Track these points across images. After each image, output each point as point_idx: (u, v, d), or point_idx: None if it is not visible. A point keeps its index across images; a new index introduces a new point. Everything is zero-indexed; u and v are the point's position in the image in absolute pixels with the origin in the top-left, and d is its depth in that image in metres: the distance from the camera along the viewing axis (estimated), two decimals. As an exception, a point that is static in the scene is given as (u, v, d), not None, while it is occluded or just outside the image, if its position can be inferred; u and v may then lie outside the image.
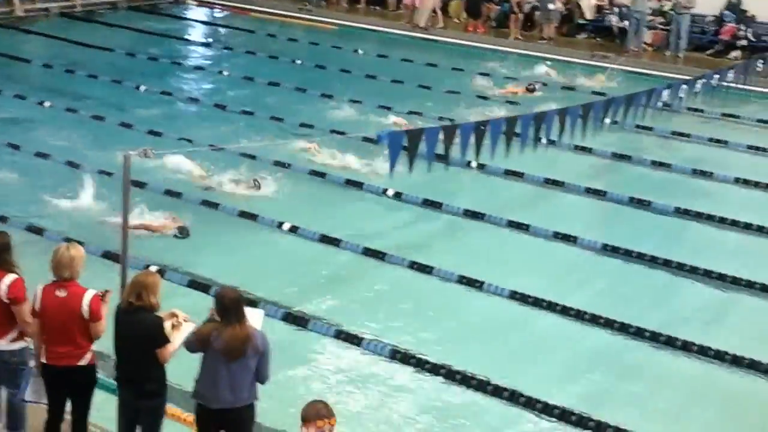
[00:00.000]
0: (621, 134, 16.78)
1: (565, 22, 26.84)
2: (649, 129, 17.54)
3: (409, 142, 9.56)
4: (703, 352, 10.26)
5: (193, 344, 6.93)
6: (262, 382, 6.97)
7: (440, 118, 17.45)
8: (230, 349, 6.73)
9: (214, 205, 13.70)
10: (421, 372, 9.77)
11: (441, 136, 9.80)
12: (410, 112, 18.57)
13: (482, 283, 11.62)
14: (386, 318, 10.92)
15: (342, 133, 15.57)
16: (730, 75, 15.18)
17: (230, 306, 6.82)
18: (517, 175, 15.45)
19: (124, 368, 7.07)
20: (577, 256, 12.82)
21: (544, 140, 11.44)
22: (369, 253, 12.35)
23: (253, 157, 15.27)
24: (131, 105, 18.77)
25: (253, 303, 9.96)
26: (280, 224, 13.09)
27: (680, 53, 24.52)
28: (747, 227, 13.78)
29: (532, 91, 20.76)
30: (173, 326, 7.07)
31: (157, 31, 26.02)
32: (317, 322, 10.54)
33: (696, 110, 18.57)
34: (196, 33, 27.02)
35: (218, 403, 6.86)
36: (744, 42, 24.31)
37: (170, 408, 7.71)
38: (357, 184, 14.81)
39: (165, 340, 6.94)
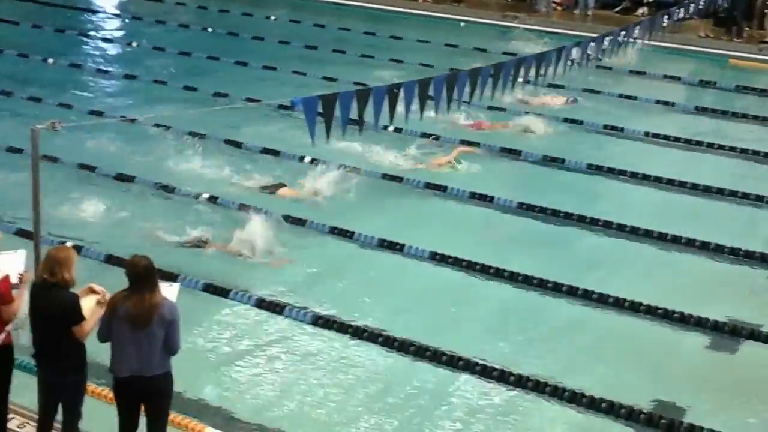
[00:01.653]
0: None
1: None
2: (561, 87, 17.80)
3: (324, 107, 9.58)
4: (603, 299, 10.57)
5: (103, 317, 6.84)
6: (172, 353, 6.89)
7: (355, 83, 17.46)
8: (135, 317, 6.67)
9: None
10: (356, 338, 9.78)
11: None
12: (325, 78, 18.53)
13: (403, 245, 11.74)
14: (306, 283, 10.96)
15: (257, 101, 15.48)
16: (637, 31, 15.50)
17: (142, 274, 6.75)
18: (434, 137, 15.59)
19: (41, 345, 6.96)
20: (493, 215, 12.99)
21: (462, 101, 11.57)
22: (289, 219, 12.34)
23: (168, 127, 15.13)
24: (39, 78, 18.35)
25: (171, 277, 9.96)
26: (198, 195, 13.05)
27: (589, 11, 24.88)
28: (657, 180, 14.13)
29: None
30: (98, 303, 6.96)
31: (64, 2, 25.38)
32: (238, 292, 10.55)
33: (606, 67, 18.86)
34: (104, 3, 26.41)
35: (124, 372, 6.79)
36: (650, -2, 24.77)
37: (93, 387, 7.67)
38: (274, 152, 14.81)
39: (80, 317, 6.82)
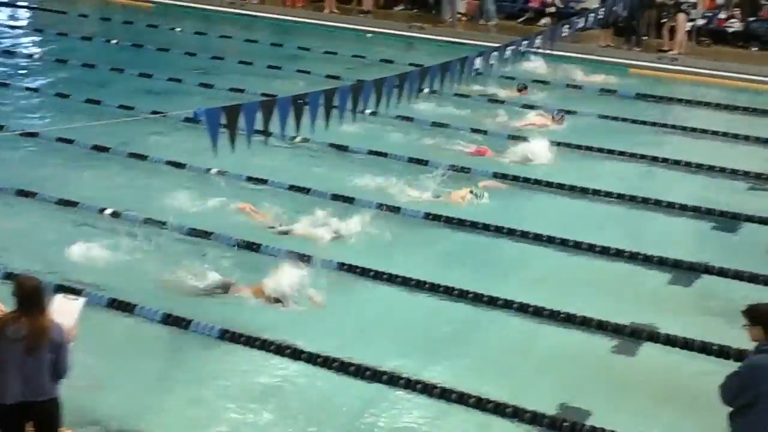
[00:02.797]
0: (439, 102, 17.21)
1: (382, -6, 27.22)
2: (467, 96, 18.02)
3: (228, 119, 9.56)
4: (508, 305, 10.71)
5: None
6: (60, 377, 6.76)
7: (263, 94, 17.42)
8: (25, 339, 6.50)
9: None
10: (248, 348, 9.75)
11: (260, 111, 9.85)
12: (232, 89, 18.45)
13: (310, 257, 11.73)
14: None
15: (161, 113, 15.33)
16: (538, 41, 15.83)
17: (28, 295, 6.59)
18: (340, 148, 15.62)
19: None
20: (403, 223, 13.05)
21: (367, 111, 11.62)
22: (195, 233, 12.23)
23: (70, 141, 14.89)
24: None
25: (76, 291, 9.77)
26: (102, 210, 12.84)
27: (492, 21, 25.26)
28: (560, 187, 14.40)
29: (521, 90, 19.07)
30: None
31: (-40, 14, 24.84)
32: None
33: (509, 77, 19.17)
34: (3, 15, 25.85)
35: (10, 398, 6.59)
36: (552, 9, 25.27)
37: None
38: (179, 165, 14.65)
39: None
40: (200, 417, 8.45)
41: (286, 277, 10.34)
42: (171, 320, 10.03)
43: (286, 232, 12.22)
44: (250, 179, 14.08)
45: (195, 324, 9.92)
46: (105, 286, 10.69)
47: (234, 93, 18.15)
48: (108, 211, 12.78)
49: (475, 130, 16.65)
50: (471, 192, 13.60)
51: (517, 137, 16.27)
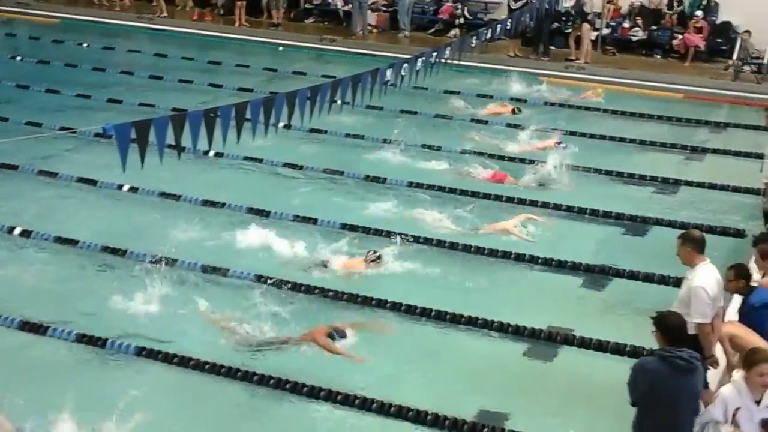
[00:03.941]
0: (354, 115, 17.27)
1: (292, 7, 27.20)
2: (380, 108, 18.11)
3: (138, 134, 9.42)
4: (426, 313, 10.84)
5: None
6: None
7: (174, 109, 17.23)
8: None
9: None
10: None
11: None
12: (141, 104, 18.22)
13: (227, 270, 11.66)
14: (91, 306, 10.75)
15: (70, 129, 15.06)
16: (447, 52, 15.98)
17: None
18: (256, 160, 15.56)
19: None
20: (316, 233, 13.02)
21: (280, 124, 11.58)
22: (108, 250, 12.06)
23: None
24: None
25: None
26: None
27: (403, 33, 25.47)
28: (474, 195, 14.53)
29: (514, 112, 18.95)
30: None
31: None
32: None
33: (421, 88, 19.29)
34: None
35: None
36: (461, 20, 25.58)
37: None
38: (91, 182, 14.42)
39: None
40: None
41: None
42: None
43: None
44: (162, 195, 13.95)
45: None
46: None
47: (144, 108, 17.95)
48: (17, 231, 12.51)
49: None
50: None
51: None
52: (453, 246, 12.63)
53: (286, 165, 15.55)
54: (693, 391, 7.15)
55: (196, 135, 10.03)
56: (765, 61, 21.57)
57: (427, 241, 12.73)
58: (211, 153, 14.33)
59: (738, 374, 7.76)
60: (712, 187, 15.13)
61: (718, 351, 8.71)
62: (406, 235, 12.72)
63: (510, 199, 14.31)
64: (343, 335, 10.09)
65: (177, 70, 21.42)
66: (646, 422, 7.16)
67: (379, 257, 11.93)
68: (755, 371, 7.17)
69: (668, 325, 7.18)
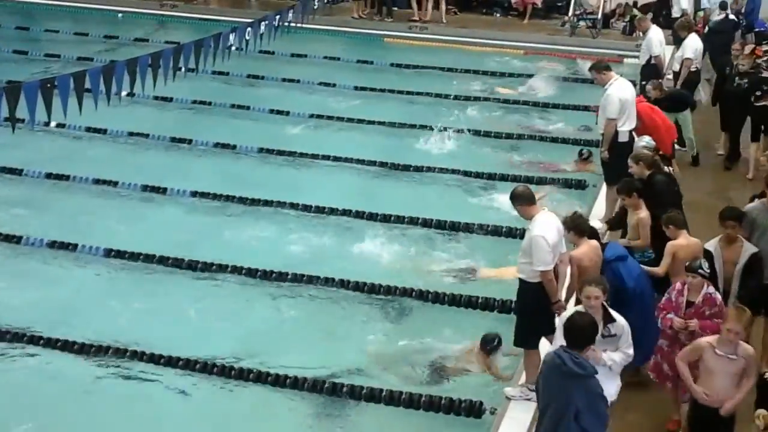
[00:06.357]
0: (200, 81, 17.02)
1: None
2: (226, 74, 17.90)
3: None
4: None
5: None
6: None
7: (8, 82, 16.58)
8: None
9: None
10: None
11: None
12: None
13: (76, 245, 11.41)
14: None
15: None
16: (290, 15, 15.94)
17: None
18: (100, 131, 15.19)
19: None
20: (166, 206, 12.88)
21: (123, 93, 11.35)
22: None
23: None
24: None
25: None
26: None
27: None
28: (325, 158, 14.60)
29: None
30: None
31: None
32: None
33: (268, 52, 19.16)
34: None
35: None
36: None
37: None
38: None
39: None
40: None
41: None
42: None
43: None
44: (3, 170, 13.53)
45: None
46: None
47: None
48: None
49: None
50: None
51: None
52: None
53: (131, 134, 15.25)
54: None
55: (33, 107, 9.73)
56: (599, 17, 22.30)
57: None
58: (53, 124, 13.92)
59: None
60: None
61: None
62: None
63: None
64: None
65: (10, 40, 20.56)
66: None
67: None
68: (583, 294, 7.48)
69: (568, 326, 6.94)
